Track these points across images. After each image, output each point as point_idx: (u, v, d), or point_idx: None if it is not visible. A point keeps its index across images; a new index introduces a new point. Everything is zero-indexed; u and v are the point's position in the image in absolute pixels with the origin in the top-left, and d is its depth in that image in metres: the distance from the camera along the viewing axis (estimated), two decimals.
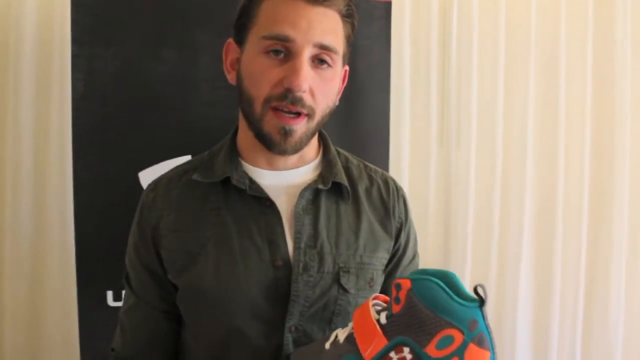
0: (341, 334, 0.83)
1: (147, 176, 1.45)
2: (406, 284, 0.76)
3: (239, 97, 0.95)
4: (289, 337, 0.92)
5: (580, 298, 1.94)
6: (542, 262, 1.92)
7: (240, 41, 0.94)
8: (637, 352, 1.99)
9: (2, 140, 1.64)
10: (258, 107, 0.89)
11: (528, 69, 1.85)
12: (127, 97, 1.43)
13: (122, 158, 1.44)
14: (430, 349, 0.74)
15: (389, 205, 1.03)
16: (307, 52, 0.86)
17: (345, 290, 0.94)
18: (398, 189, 1.07)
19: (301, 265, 0.92)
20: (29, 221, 1.65)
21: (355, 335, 0.80)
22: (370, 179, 1.05)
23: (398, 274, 1.05)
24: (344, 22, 0.92)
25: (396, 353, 0.76)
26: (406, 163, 1.81)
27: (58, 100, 1.64)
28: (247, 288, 0.91)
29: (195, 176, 0.98)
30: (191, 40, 1.45)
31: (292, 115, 0.88)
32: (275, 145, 0.91)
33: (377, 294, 0.85)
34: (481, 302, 0.73)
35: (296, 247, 0.93)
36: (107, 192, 1.44)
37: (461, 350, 0.73)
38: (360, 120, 1.53)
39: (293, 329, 0.92)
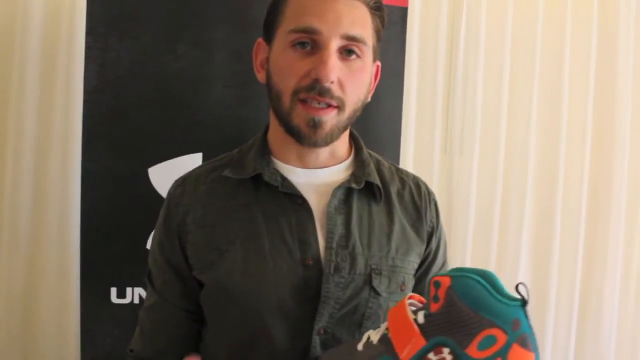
0: (374, 335, 0.80)
1: (156, 172, 1.43)
2: (445, 281, 0.72)
3: (269, 94, 0.94)
4: (316, 340, 0.89)
5: (575, 306, 1.97)
6: (539, 268, 1.94)
7: (269, 39, 0.93)
8: (628, 355, 2.03)
9: (3, 132, 1.60)
10: (286, 100, 0.88)
11: (532, 80, 1.88)
12: (139, 91, 1.41)
13: (131, 153, 1.42)
14: (472, 350, 0.70)
15: (421, 209, 1.02)
16: (335, 44, 0.85)
17: (377, 293, 0.91)
18: (430, 192, 1.06)
19: (332, 265, 0.89)
20: (27, 214, 1.61)
21: (390, 336, 0.76)
22: (402, 182, 1.04)
23: (428, 279, 1.00)
24: (372, 14, 0.91)
25: (435, 354, 0.72)
26: (410, 170, 1.81)
27: (64, 93, 1.60)
28: (276, 287, 0.88)
29: (226, 172, 0.96)
30: (206, 37, 1.44)
31: (321, 107, 0.87)
32: (304, 138, 0.89)
33: (412, 294, 0.82)
34: (524, 301, 0.70)
35: (328, 247, 0.91)
36: (115, 187, 1.41)
37: (504, 351, 0.69)
38: (373, 124, 1.52)
39: (322, 331, 0.89)
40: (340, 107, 0.88)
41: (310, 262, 0.90)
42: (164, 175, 1.42)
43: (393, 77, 1.55)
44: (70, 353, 1.62)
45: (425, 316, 0.74)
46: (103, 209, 1.41)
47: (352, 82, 0.88)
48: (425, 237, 1.01)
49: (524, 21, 1.88)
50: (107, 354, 1.43)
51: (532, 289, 1.94)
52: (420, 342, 0.73)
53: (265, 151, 0.97)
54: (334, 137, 0.91)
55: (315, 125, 0.87)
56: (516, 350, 0.69)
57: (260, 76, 0.97)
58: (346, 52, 0.87)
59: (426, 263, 1.03)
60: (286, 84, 0.87)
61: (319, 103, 0.86)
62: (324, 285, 0.88)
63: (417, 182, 1.06)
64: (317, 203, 0.94)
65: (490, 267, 1.89)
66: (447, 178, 1.86)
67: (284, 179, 0.94)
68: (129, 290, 1.43)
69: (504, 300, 0.70)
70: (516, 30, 1.87)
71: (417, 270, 1.00)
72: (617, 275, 1.99)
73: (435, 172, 1.86)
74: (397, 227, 0.97)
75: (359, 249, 0.92)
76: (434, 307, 0.74)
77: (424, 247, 1.00)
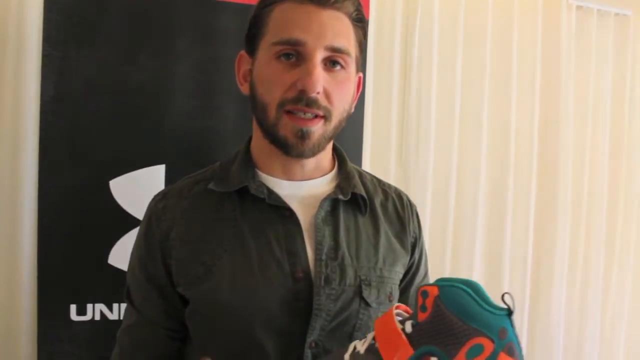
0: (360, 345, 0.79)
1: (118, 185, 1.39)
2: (433, 291, 0.72)
3: (252, 106, 0.93)
4: (308, 353, 0.88)
5: (525, 307, 2.06)
6: (492, 273, 2.02)
7: (252, 51, 0.93)
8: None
9: None
10: (272, 112, 0.87)
11: (482, 93, 1.95)
12: (99, 101, 1.37)
13: (92, 165, 1.38)
14: (460, 358, 0.70)
15: (405, 220, 1.03)
16: (319, 55, 0.85)
17: (367, 304, 0.92)
18: (412, 204, 1.07)
19: (323, 277, 0.89)
20: None
21: (377, 346, 0.76)
22: (385, 194, 1.04)
23: (412, 290, 1.04)
24: (355, 26, 0.91)
25: None
26: None
27: (12, 101, 1.52)
28: (266, 300, 0.87)
29: (210, 185, 0.95)
30: (169, 47, 1.42)
31: (307, 117, 0.87)
32: (292, 148, 0.88)
33: (399, 304, 0.82)
34: (509, 310, 0.70)
35: (317, 259, 0.90)
36: (74, 199, 1.37)
37: (492, 359, 0.69)
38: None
39: (313, 344, 0.88)
40: (326, 117, 0.88)
41: (301, 275, 0.89)
42: (126, 188, 1.39)
43: None
44: None
45: (413, 325, 0.75)
46: (62, 222, 1.36)
47: (338, 93, 0.89)
48: (409, 247, 1.02)
49: (475, 40, 1.95)
50: None
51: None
52: (408, 352, 0.73)
53: (249, 164, 0.96)
54: (321, 147, 0.91)
55: (302, 136, 0.87)
56: (503, 358, 0.69)
57: (244, 88, 0.96)
58: (330, 63, 0.88)
59: (410, 273, 1.04)
60: (272, 96, 0.87)
61: (305, 114, 0.86)
62: (316, 298, 0.88)
63: (399, 194, 1.07)
64: (303, 215, 0.93)
65: (445, 273, 1.94)
66: (403, 187, 1.87)
67: (271, 192, 0.93)
68: (89, 306, 1.38)
69: (491, 309, 0.71)
70: (467, 46, 1.94)
71: (401, 281, 1.01)
72: (563, 279, 2.10)
73: (391, 182, 1.87)
74: (382, 238, 0.98)
75: (347, 260, 0.92)
76: (422, 317, 0.74)
77: (408, 257, 1.01)
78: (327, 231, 0.93)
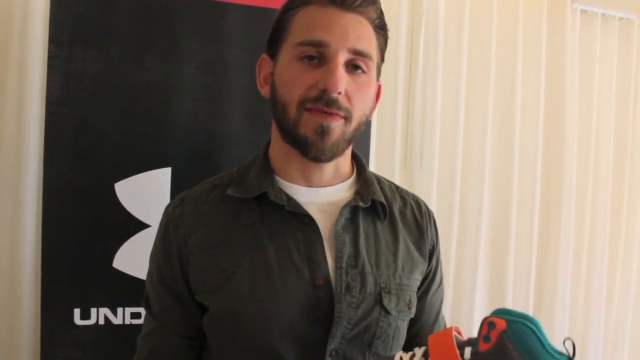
0: (406, 357, 0.79)
1: (123, 188, 1.37)
2: (501, 324, 0.71)
3: (273, 108, 0.92)
4: None
5: (530, 304, 2.07)
6: (496, 278, 2.02)
7: (274, 54, 0.92)
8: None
9: None
10: (292, 110, 0.86)
11: (487, 98, 1.96)
12: (105, 103, 1.36)
13: (97, 167, 1.36)
14: None
15: (423, 227, 1.01)
16: (342, 57, 0.85)
17: (387, 312, 0.91)
18: (429, 211, 1.06)
19: (344, 285, 0.88)
20: None
21: None
22: (403, 200, 1.03)
23: (428, 298, 1.03)
24: (377, 33, 0.91)
25: None
26: None
27: (16, 102, 1.51)
28: (286, 309, 0.86)
29: (229, 191, 0.93)
30: (175, 48, 1.40)
31: (328, 113, 0.86)
32: (312, 146, 0.86)
33: (456, 326, 0.80)
34: (570, 357, 0.70)
35: (337, 267, 0.89)
36: (79, 202, 1.35)
37: None
38: None
39: (333, 352, 0.87)
40: (347, 118, 0.87)
41: (321, 283, 0.88)
42: (132, 191, 1.38)
43: None
44: None
45: (472, 354, 0.74)
46: (66, 225, 1.34)
47: (358, 95, 0.88)
48: (427, 255, 1.01)
49: (479, 45, 1.96)
50: None
51: (490, 297, 2.00)
52: None
53: (267, 170, 0.94)
54: (340, 148, 0.90)
55: (323, 132, 0.86)
56: None
57: (264, 91, 0.95)
58: (352, 66, 0.87)
59: (427, 281, 1.02)
60: (292, 95, 0.86)
61: (325, 112, 0.86)
62: (337, 306, 0.87)
63: (417, 201, 1.06)
64: (323, 222, 0.92)
65: (449, 277, 1.93)
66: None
67: (290, 198, 0.91)
68: (93, 310, 1.36)
69: (554, 353, 0.70)
70: (472, 51, 1.94)
71: (418, 289, 1.00)
72: (567, 287, 2.10)
73: None
74: (401, 245, 0.97)
75: (368, 268, 0.91)
76: (483, 347, 0.73)
77: (426, 264, 1.00)
78: (347, 239, 0.92)
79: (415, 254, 0.98)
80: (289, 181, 0.94)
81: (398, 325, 0.93)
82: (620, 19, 2.17)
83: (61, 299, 1.35)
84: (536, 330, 0.70)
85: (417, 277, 0.98)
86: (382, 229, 0.96)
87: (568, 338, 0.70)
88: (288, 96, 0.87)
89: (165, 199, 1.36)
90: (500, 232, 2.01)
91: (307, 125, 0.86)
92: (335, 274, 0.89)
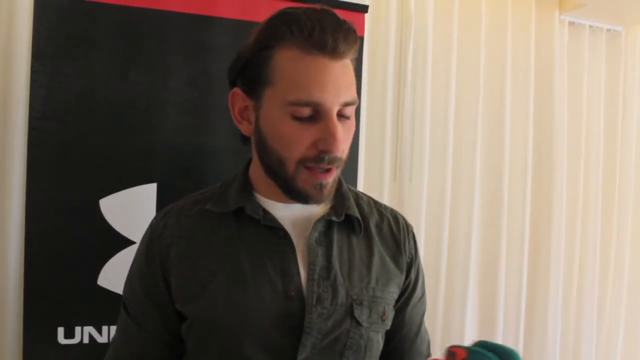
0: None
1: (108, 204, 1.36)
2: (460, 354, 0.74)
3: (260, 150, 0.92)
4: None
5: (521, 322, 2.05)
6: (487, 289, 2.02)
7: (251, 93, 0.90)
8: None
9: None
10: (291, 167, 0.88)
11: (476, 110, 1.96)
12: (89, 118, 1.34)
13: (82, 183, 1.34)
14: None
15: (400, 241, 1.03)
16: (335, 111, 0.85)
17: (358, 323, 0.92)
18: (407, 225, 1.07)
19: (315, 296, 0.90)
20: None
21: None
22: (381, 215, 1.05)
23: (408, 311, 1.04)
24: (352, 62, 0.90)
25: None
26: None
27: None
28: (259, 318, 0.88)
29: (208, 205, 0.96)
30: (160, 62, 1.39)
31: (325, 170, 0.88)
32: (311, 199, 0.90)
33: (435, 358, 0.83)
34: None
35: (310, 279, 0.91)
36: (63, 219, 1.33)
37: None
38: None
39: None
40: (339, 165, 0.89)
41: (294, 294, 0.90)
42: (117, 207, 1.36)
43: None
44: None
45: None
46: (49, 242, 1.32)
47: (347, 140, 0.90)
48: (404, 267, 1.02)
49: (469, 52, 1.95)
50: None
51: (481, 308, 2.00)
52: None
53: (246, 186, 0.97)
54: (334, 190, 0.93)
55: (321, 187, 0.89)
56: None
57: (243, 128, 0.94)
58: (340, 115, 0.87)
59: (406, 294, 1.04)
60: (290, 154, 0.87)
61: (325, 170, 0.88)
62: (307, 316, 0.89)
63: (395, 215, 1.07)
64: (298, 236, 0.94)
65: (440, 289, 1.92)
66: (397, 204, 1.88)
67: (266, 213, 0.94)
68: (77, 329, 1.34)
69: None
70: (461, 61, 1.95)
71: (397, 301, 1.01)
72: (559, 292, 2.10)
73: (386, 198, 1.88)
74: (376, 259, 0.98)
75: (340, 280, 0.93)
76: None
77: (403, 277, 1.02)
78: (320, 252, 0.94)
79: (391, 266, 1.00)
80: (266, 198, 0.96)
81: (370, 337, 0.94)
82: (608, 30, 2.19)
83: (44, 317, 1.32)
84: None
85: (393, 290, 0.99)
86: (357, 242, 0.98)
87: None
88: (286, 154, 0.87)
89: (151, 215, 1.33)
90: (491, 243, 2.01)
91: (306, 182, 0.88)
92: (308, 286, 0.91)
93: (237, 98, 0.93)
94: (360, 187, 1.83)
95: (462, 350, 0.74)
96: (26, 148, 1.33)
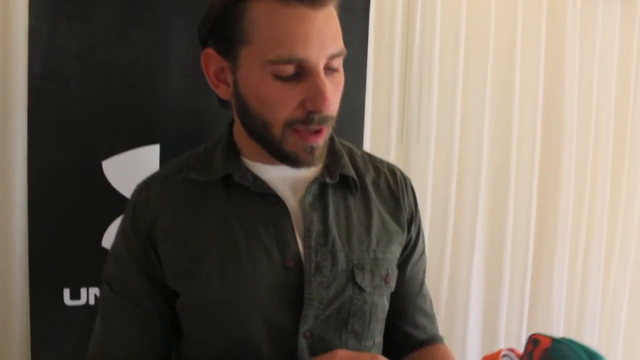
0: None
1: (111, 166, 1.35)
2: (545, 342, 0.71)
3: (241, 114, 0.87)
4: (303, 343, 0.86)
5: (527, 278, 2.05)
6: (494, 253, 2.00)
7: (226, 54, 0.84)
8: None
9: None
10: (277, 130, 0.82)
11: (486, 69, 1.91)
12: (90, 80, 1.32)
13: (84, 145, 1.32)
14: None
15: (399, 196, 0.99)
16: (322, 66, 0.79)
17: (361, 289, 0.89)
18: (406, 179, 1.03)
19: (313, 265, 0.86)
20: None
21: None
22: (377, 170, 1.00)
23: (409, 268, 1.01)
24: (336, 9, 0.84)
25: None
26: None
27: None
28: (257, 292, 0.84)
29: (193, 175, 0.90)
30: (163, 22, 1.36)
31: (315, 131, 0.82)
32: (302, 163, 0.85)
33: (512, 348, 0.80)
34: None
35: (306, 246, 0.87)
36: (66, 181, 1.32)
37: None
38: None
39: (307, 334, 0.86)
40: (330, 124, 0.85)
41: (291, 264, 0.86)
42: (120, 169, 1.35)
43: (356, 65, 1.52)
44: None
45: None
46: (53, 205, 1.32)
47: (336, 95, 0.84)
48: (405, 225, 0.98)
49: (478, 11, 1.90)
50: (61, 357, 1.35)
51: (486, 272, 1.99)
52: None
53: (232, 149, 0.91)
54: (325, 151, 0.88)
55: (312, 150, 0.83)
56: None
57: (222, 91, 0.88)
58: (328, 69, 0.82)
59: (407, 251, 1.00)
60: (276, 117, 0.81)
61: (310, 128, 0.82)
62: (307, 287, 0.85)
63: (392, 169, 1.03)
64: (292, 200, 0.90)
65: (447, 253, 1.91)
66: (403, 166, 1.86)
67: (256, 178, 0.89)
68: (83, 290, 1.34)
69: None
70: (470, 21, 1.89)
71: (397, 259, 0.98)
72: (564, 269, 2.08)
73: (392, 160, 1.83)
74: (376, 219, 0.94)
75: (338, 245, 0.89)
76: None
77: (405, 235, 0.98)
78: (315, 216, 0.89)
79: (392, 225, 0.96)
80: (255, 161, 0.90)
81: (375, 301, 0.91)
82: None
83: (50, 279, 1.33)
84: (583, 355, 0.68)
85: (396, 249, 0.96)
86: (354, 203, 0.94)
87: None
88: (270, 117, 0.82)
89: None
90: (498, 204, 1.98)
91: (296, 145, 0.83)
92: (305, 254, 0.86)
93: (211, 60, 0.87)
94: (367, 149, 1.80)
95: (546, 338, 0.71)
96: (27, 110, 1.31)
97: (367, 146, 1.81)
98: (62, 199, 1.32)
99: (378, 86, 1.83)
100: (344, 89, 1.47)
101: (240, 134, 0.91)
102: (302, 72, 0.79)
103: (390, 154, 1.86)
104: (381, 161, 1.03)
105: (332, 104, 0.81)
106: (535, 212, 2.02)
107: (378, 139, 1.84)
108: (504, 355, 0.77)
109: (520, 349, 0.78)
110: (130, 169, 1.35)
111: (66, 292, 1.34)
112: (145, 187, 0.93)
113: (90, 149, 1.33)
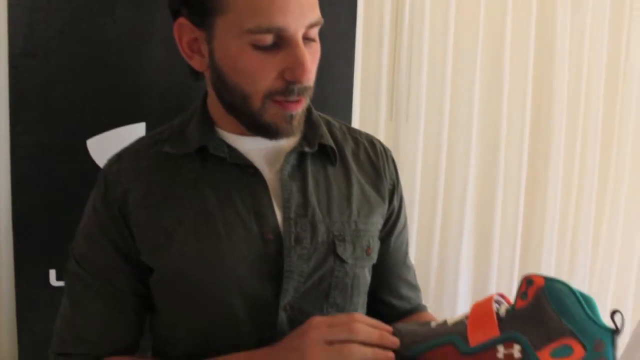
0: (451, 319, 0.78)
1: (96, 144, 1.33)
2: (539, 281, 0.70)
3: (215, 83, 0.84)
4: (283, 317, 0.84)
5: (516, 253, 2.05)
6: (482, 231, 2.01)
7: (200, 23, 0.81)
8: None
9: None
10: (257, 103, 0.80)
11: (475, 47, 1.88)
12: (73, 56, 1.30)
13: (67, 124, 1.31)
14: (544, 354, 0.68)
15: (379, 167, 0.97)
16: (300, 36, 0.77)
17: (342, 261, 0.87)
18: (386, 149, 1.01)
19: (293, 236, 0.84)
20: None
21: (467, 322, 0.75)
22: (356, 141, 0.98)
23: (392, 240, 1.00)
24: None
25: (505, 348, 0.70)
26: None
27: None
28: (235, 266, 0.82)
29: (166, 148, 0.88)
30: None
31: (294, 101, 0.81)
32: (281, 133, 0.83)
33: (503, 293, 0.79)
34: (616, 330, 0.67)
35: (286, 218, 0.85)
36: (50, 161, 1.30)
37: None
38: (324, 89, 1.47)
39: (287, 307, 0.84)
40: (309, 95, 0.83)
41: (270, 236, 0.84)
42: (105, 147, 1.33)
43: (344, 42, 1.50)
44: (4, 342, 1.49)
45: (508, 311, 0.74)
46: (37, 185, 1.30)
47: (314, 65, 0.81)
48: (386, 195, 0.97)
49: None
50: (46, 341, 1.33)
51: (476, 253, 1.99)
52: (494, 332, 0.72)
53: (207, 121, 0.89)
54: (303, 120, 0.86)
55: (291, 119, 0.82)
56: None
57: (196, 63, 0.85)
58: (305, 38, 0.80)
59: (390, 222, 0.99)
60: (255, 88, 0.79)
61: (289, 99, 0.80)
62: (286, 259, 0.83)
63: (372, 140, 1.01)
64: (269, 171, 0.88)
65: (436, 230, 1.91)
66: (392, 144, 1.85)
67: (232, 149, 0.86)
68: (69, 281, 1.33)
69: (596, 319, 0.68)
70: (460, 2, 1.86)
71: (380, 231, 0.97)
72: (554, 239, 2.09)
73: (381, 138, 1.82)
74: (356, 189, 0.93)
75: (318, 217, 0.87)
76: (520, 304, 0.73)
77: (386, 206, 0.97)
78: (294, 187, 0.87)
79: (373, 195, 0.94)
80: (230, 132, 0.88)
81: (356, 273, 0.90)
82: None
83: (36, 260, 1.32)
84: (577, 293, 0.68)
85: (377, 220, 0.94)
86: (334, 173, 0.92)
87: (617, 311, 0.66)
88: (250, 88, 0.79)
89: None
90: (488, 182, 1.98)
91: (275, 115, 0.81)
92: (284, 226, 0.85)
93: (184, 30, 0.83)
94: (355, 126, 1.79)
95: (539, 277, 0.71)
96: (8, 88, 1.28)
97: (356, 124, 1.80)
98: (46, 178, 1.30)
99: (367, 63, 1.80)
100: (332, 66, 1.46)
101: (214, 106, 0.89)
102: (281, 42, 0.77)
103: (380, 132, 1.84)
104: (360, 132, 1.02)
105: (311, 73, 0.80)
106: (524, 187, 2.02)
107: (367, 117, 1.82)
108: (496, 301, 0.76)
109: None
110: (116, 147, 1.30)
111: (52, 273, 1.32)
112: (118, 160, 0.91)
113: (74, 128, 1.31)
